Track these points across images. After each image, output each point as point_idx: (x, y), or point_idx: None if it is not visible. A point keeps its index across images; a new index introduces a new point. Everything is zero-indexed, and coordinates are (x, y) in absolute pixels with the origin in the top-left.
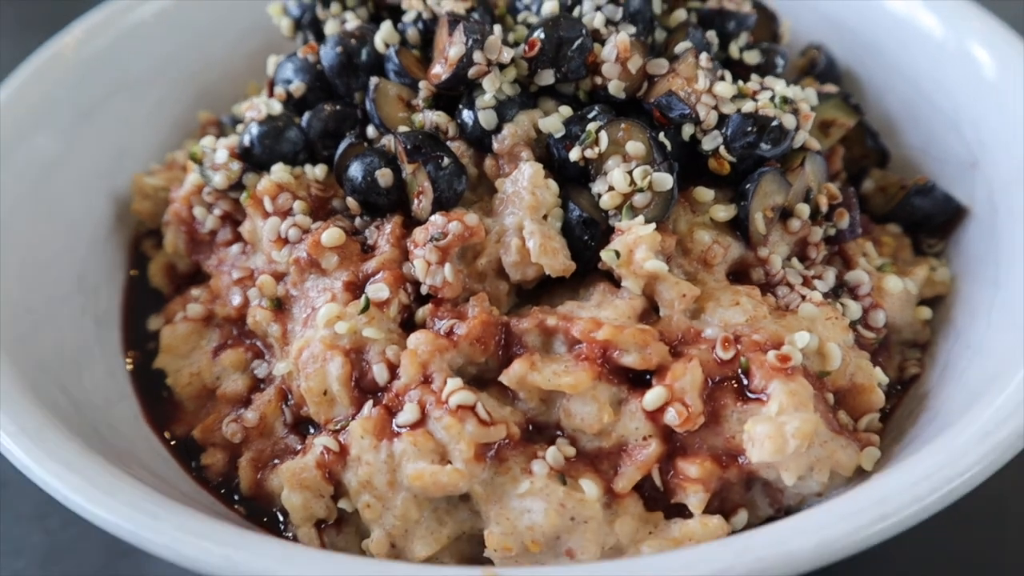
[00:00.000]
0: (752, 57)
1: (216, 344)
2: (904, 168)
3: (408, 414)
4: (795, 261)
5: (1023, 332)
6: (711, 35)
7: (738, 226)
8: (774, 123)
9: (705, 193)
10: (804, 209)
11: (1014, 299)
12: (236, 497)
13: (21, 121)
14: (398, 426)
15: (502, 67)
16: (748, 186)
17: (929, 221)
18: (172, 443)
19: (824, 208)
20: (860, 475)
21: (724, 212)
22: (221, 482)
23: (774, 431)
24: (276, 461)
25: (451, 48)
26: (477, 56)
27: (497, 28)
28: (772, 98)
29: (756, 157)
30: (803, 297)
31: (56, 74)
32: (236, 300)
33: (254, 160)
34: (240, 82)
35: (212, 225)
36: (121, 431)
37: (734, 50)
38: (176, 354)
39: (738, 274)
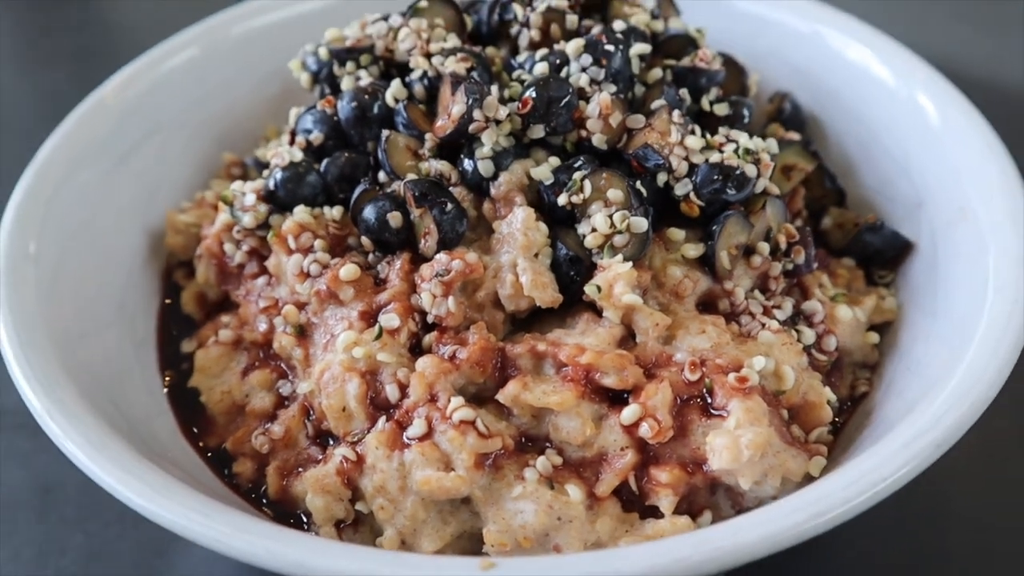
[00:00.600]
0: (721, 109)
1: (244, 365)
2: (860, 206)
3: (417, 428)
4: (757, 293)
5: (952, 356)
6: (684, 92)
7: (706, 262)
8: (737, 172)
9: (677, 233)
10: (765, 247)
11: (947, 327)
12: (264, 501)
13: (69, 165)
14: (408, 438)
15: (498, 122)
16: (715, 227)
17: (879, 255)
18: (207, 454)
19: (783, 246)
20: (809, 480)
21: (694, 250)
22: (251, 488)
23: (731, 443)
24: (300, 469)
25: (454, 106)
26: (477, 114)
27: (494, 88)
28: (736, 150)
29: (722, 201)
30: (763, 325)
31: (97, 121)
32: (262, 327)
33: (278, 202)
34: (259, 124)
35: (240, 260)
36: (163, 441)
37: (705, 103)
38: (209, 374)
39: (707, 304)
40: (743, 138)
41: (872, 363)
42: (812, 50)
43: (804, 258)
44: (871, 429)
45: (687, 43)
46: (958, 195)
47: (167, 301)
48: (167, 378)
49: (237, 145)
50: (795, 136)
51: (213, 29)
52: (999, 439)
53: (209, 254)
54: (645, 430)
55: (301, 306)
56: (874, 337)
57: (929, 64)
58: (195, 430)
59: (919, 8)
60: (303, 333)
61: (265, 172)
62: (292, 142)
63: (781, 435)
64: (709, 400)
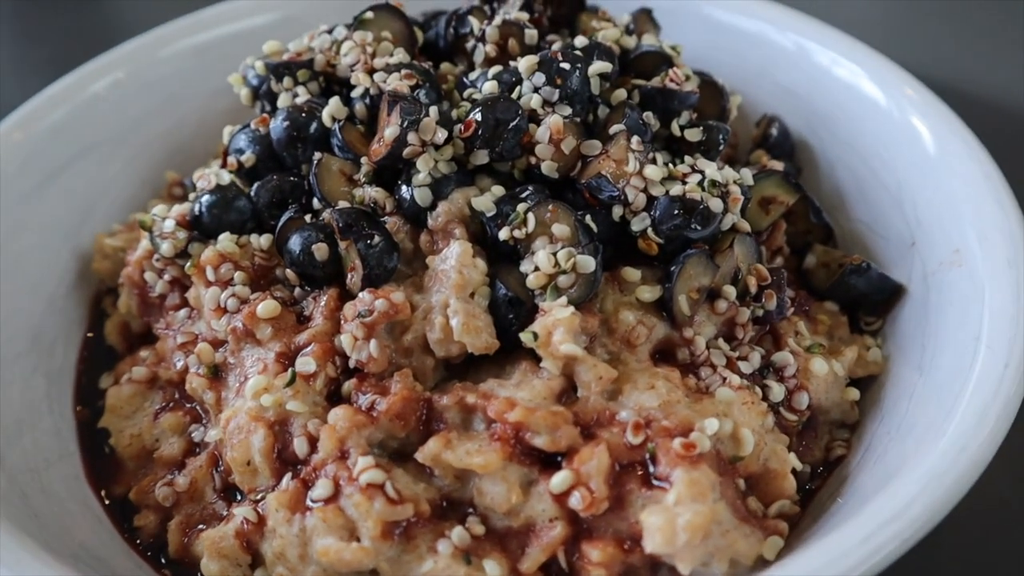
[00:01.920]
0: (693, 135)
1: (158, 407)
2: (852, 243)
3: (321, 489)
4: (721, 342)
5: (933, 424)
6: (648, 116)
7: (664, 307)
8: (701, 206)
9: (632, 273)
10: (731, 291)
11: (933, 386)
12: (163, 560)
13: None
14: (312, 500)
15: (437, 147)
16: (673, 268)
17: (865, 300)
18: (110, 503)
19: (753, 289)
20: (762, 563)
21: (649, 293)
22: (152, 543)
23: (665, 523)
24: (202, 526)
25: (388, 128)
26: (411, 137)
27: (434, 110)
28: (701, 182)
29: (684, 239)
30: (723, 380)
31: (21, 139)
32: (179, 364)
33: (203, 229)
34: (213, 140)
35: (161, 289)
36: (56, 493)
37: (675, 128)
38: (120, 414)
39: (665, 353)
40: (710, 168)
41: (852, 422)
42: (802, 69)
43: (776, 304)
44: (845, 500)
45: (661, 61)
46: (954, 234)
47: (89, 334)
48: (78, 417)
49: (188, 164)
50: (777, 165)
51: (159, 40)
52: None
53: (131, 283)
54: (576, 501)
55: (219, 344)
56: (854, 394)
57: (925, 84)
58: (101, 476)
59: (914, 21)
60: (218, 374)
61: (192, 195)
62: (224, 163)
63: (734, 510)
64: (652, 468)
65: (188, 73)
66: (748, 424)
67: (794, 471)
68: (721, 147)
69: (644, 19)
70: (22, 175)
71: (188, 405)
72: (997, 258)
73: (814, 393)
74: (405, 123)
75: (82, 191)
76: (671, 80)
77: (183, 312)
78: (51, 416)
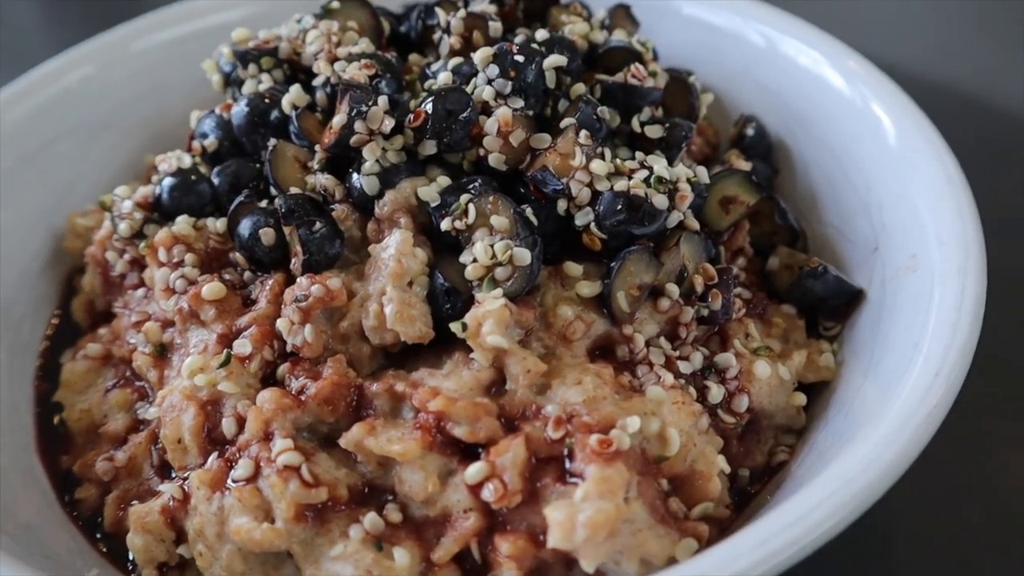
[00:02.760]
0: (654, 132)
1: (111, 383)
2: (821, 246)
3: (241, 469)
4: (663, 340)
5: (864, 430)
6: (603, 110)
7: (604, 303)
8: (645, 203)
9: (575, 268)
10: (674, 289)
11: (872, 392)
12: (99, 535)
13: None
14: (232, 480)
15: (386, 136)
16: (613, 264)
17: (823, 304)
18: (57, 475)
19: (699, 288)
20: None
21: (589, 288)
22: (90, 516)
23: (566, 518)
24: (135, 502)
25: (336, 116)
26: (358, 125)
27: (383, 99)
28: (647, 178)
29: (628, 234)
30: (659, 378)
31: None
32: (131, 342)
33: (163, 211)
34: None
35: (121, 269)
36: (2, 466)
37: (636, 124)
38: (73, 389)
39: (604, 350)
40: (659, 164)
41: (798, 427)
42: (775, 65)
43: (721, 304)
44: (764, 510)
45: (630, 56)
46: (914, 239)
47: (57, 311)
48: (38, 390)
49: (169, 148)
50: (744, 165)
51: (147, 28)
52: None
53: (94, 261)
54: (488, 492)
55: (169, 324)
56: (800, 399)
57: (896, 83)
58: (51, 449)
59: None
60: (163, 353)
61: (154, 178)
62: (189, 147)
63: (652, 509)
64: (568, 463)
65: (176, 59)
66: (677, 424)
67: (729, 474)
68: (683, 145)
69: (621, 15)
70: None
71: (138, 383)
72: (949, 265)
73: (755, 396)
74: (353, 111)
75: (61, 171)
76: (633, 76)
77: (140, 292)
78: (9, 390)
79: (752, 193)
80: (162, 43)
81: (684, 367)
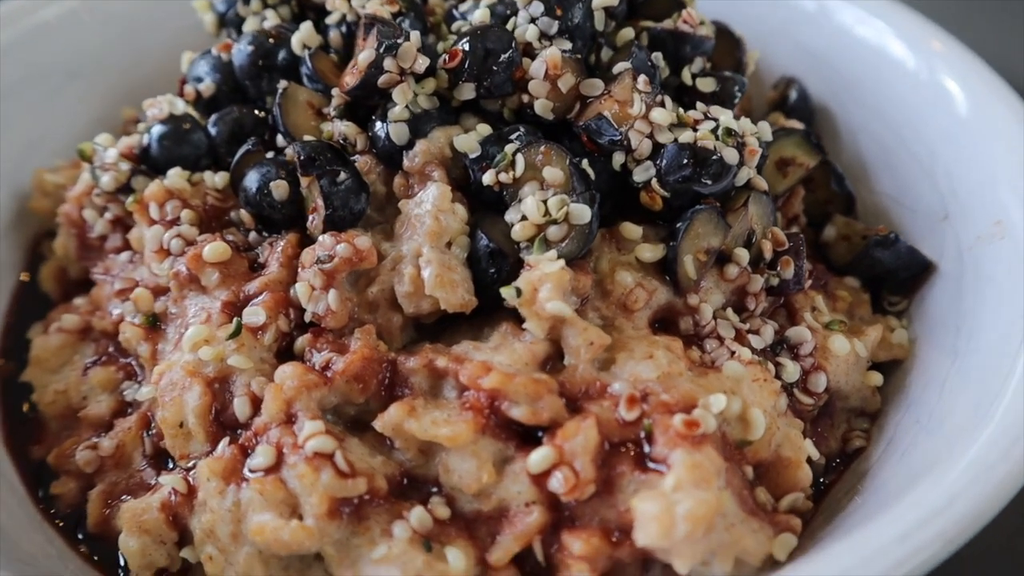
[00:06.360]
0: (706, 85)
1: (90, 360)
2: (875, 216)
3: (261, 457)
4: (730, 312)
5: (974, 413)
6: (657, 57)
7: (667, 269)
8: (714, 156)
9: (633, 230)
10: (743, 255)
11: (970, 370)
12: (81, 536)
13: None
14: (250, 470)
15: (419, 77)
16: (680, 225)
17: (891, 276)
18: (28, 467)
19: (768, 255)
20: (772, 565)
21: (651, 252)
22: (69, 514)
23: (663, 511)
24: (127, 497)
25: (362, 52)
26: (388, 63)
27: (415, 34)
28: (715, 129)
29: (693, 193)
30: (732, 353)
31: None
32: (115, 313)
33: (152, 162)
34: (176, 78)
35: (102, 230)
36: None
37: (687, 75)
38: (46, 368)
39: (665, 322)
40: (725, 116)
41: (873, 411)
42: (825, 30)
43: (793, 272)
44: (864, 499)
45: (673, 5)
46: (993, 204)
47: (24, 277)
48: (1, 370)
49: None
50: (798, 125)
51: None
52: None
53: (68, 221)
54: (557, 482)
55: (162, 291)
56: (877, 379)
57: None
58: (19, 437)
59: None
60: (155, 324)
61: (140, 126)
62: (181, 92)
63: (740, 501)
64: (647, 448)
65: (150, 5)
66: (759, 404)
67: (809, 461)
68: (736, 100)
69: None
70: None
71: (123, 360)
72: None
73: (832, 375)
74: (382, 47)
75: (25, 123)
76: (684, 22)
77: (124, 256)
78: None
79: (812, 155)
80: None
81: (755, 342)
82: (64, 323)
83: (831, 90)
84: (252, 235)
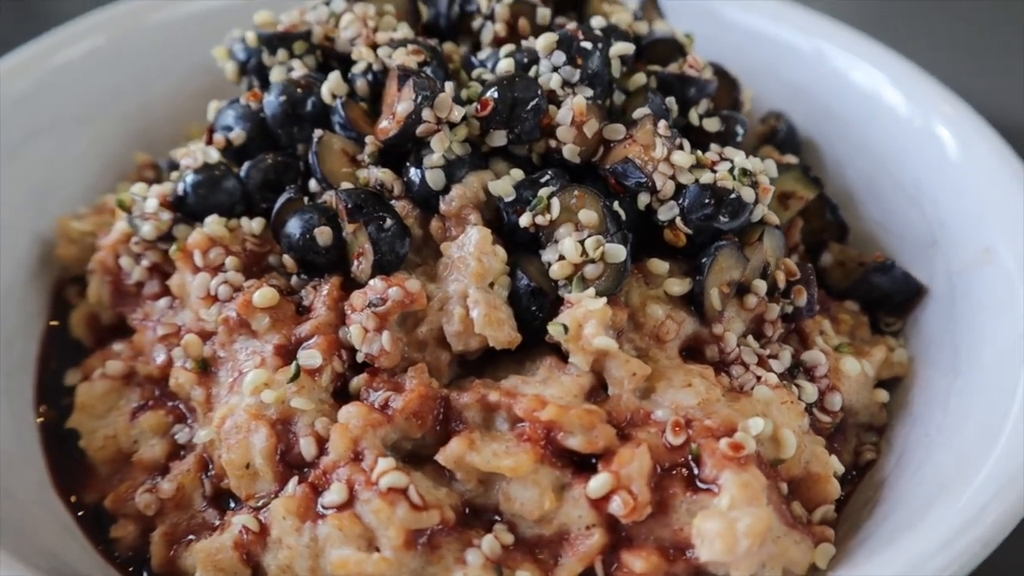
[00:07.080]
0: (712, 124)
1: (136, 405)
2: (864, 242)
3: (335, 494)
4: (751, 339)
5: (982, 425)
6: (670, 101)
7: (692, 301)
8: (732, 196)
9: (660, 265)
10: (761, 285)
11: (972, 387)
12: (146, 574)
13: None
14: (324, 507)
15: (452, 126)
16: (704, 260)
17: (888, 300)
18: (81, 512)
19: (782, 284)
20: (813, 572)
21: (679, 286)
22: (131, 557)
23: (725, 528)
24: (191, 537)
25: (400, 104)
26: (426, 113)
27: (449, 85)
28: (731, 170)
29: (713, 230)
30: (758, 378)
31: None
32: (160, 358)
33: (188, 210)
34: (183, 123)
35: (139, 276)
36: (20, 499)
37: (694, 116)
38: (92, 414)
39: (692, 351)
40: (739, 156)
41: (880, 425)
42: (811, 68)
43: (806, 300)
44: (884, 509)
45: (674, 49)
46: (981, 232)
47: (53, 323)
48: (41, 416)
49: (155, 147)
50: (792, 159)
51: (125, 16)
52: None
53: (103, 269)
54: (616, 506)
55: (207, 336)
56: (883, 395)
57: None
58: (69, 483)
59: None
60: (206, 369)
61: (174, 175)
62: (210, 141)
63: (781, 515)
64: (696, 470)
65: (158, 51)
66: (788, 424)
67: (835, 475)
68: (739, 138)
69: (651, 6)
70: None
71: (170, 403)
72: None
73: (846, 394)
74: (420, 98)
75: (41, 172)
76: (690, 67)
77: (163, 301)
78: (10, 416)
79: (810, 188)
80: (146, 28)
81: (775, 366)
82: (108, 369)
83: (816, 124)
84: (294, 279)
